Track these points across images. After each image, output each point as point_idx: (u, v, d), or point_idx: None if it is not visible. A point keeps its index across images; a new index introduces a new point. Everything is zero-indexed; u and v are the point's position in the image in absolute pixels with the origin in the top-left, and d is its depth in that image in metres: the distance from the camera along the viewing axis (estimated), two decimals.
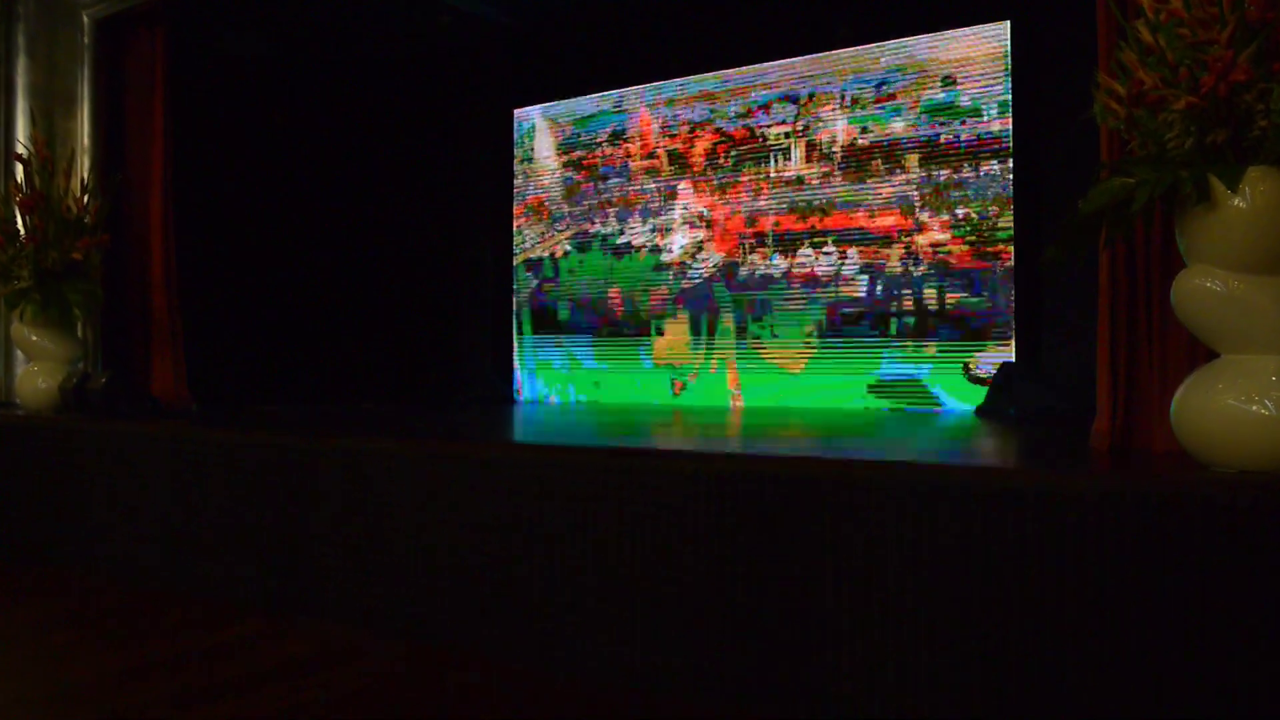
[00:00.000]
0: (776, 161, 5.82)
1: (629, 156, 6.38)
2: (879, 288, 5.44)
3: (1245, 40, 1.91)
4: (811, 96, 5.74)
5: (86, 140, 4.92)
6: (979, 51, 5.22)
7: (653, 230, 6.27)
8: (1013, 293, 5.14)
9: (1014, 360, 5.14)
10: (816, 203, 5.65)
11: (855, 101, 5.57)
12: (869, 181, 5.47)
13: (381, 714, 2.18)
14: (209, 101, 5.54)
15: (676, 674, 2.27)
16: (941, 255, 5.22)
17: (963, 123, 5.21)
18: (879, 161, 5.46)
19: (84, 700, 2.26)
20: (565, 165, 6.69)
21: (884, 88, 5.49)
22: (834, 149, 5.61)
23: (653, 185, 6.28)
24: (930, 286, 5.25)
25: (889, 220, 5.40)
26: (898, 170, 5.38)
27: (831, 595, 2.08)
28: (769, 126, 5.87)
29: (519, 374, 7.00)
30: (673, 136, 6.19)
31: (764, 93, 5.90)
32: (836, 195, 5.59)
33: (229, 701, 2.22)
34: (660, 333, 6.18)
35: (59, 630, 2.94)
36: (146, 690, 2.31)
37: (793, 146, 5.78)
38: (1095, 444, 2.66)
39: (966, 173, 5.18)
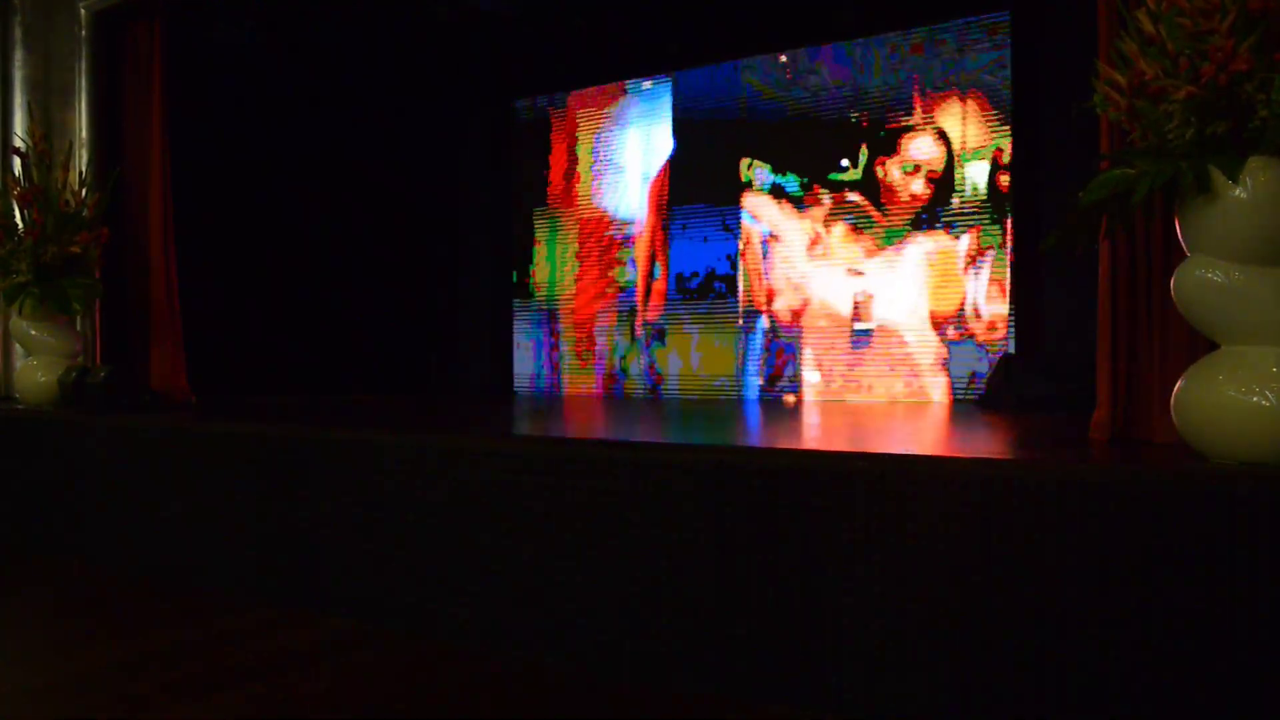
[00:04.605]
0: None
1: None
2: None
3: (1246, 30, 1.90)
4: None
5: (84, 133, 4.90)
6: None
7: None
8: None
9: (1014, 351, 5.14)
10: None
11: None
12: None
13: (381, 705, 2.18)
14: (207, 94, 5.52)
15: (677, 665, 2.28)
16: None
17: None
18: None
19: (85, 689, 2.26)
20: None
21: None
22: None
23: None
24: None
25: None
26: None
27: (830, 589, 2.08)
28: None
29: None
30: None
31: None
32: None
33: (228, 692, 2.23)
34: None
35: (59, 621, 2.94)
36: (147, 680, 2.32)
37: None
38: (1095, 435, 2.66)
39: None
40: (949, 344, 5.37)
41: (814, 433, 3.22)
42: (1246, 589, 1.70)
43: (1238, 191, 1.92)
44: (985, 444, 2.82)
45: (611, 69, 6.63)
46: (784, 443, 2.75)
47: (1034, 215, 5.13)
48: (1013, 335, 5.17)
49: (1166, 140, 2.03)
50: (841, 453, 2.20)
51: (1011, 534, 1.90)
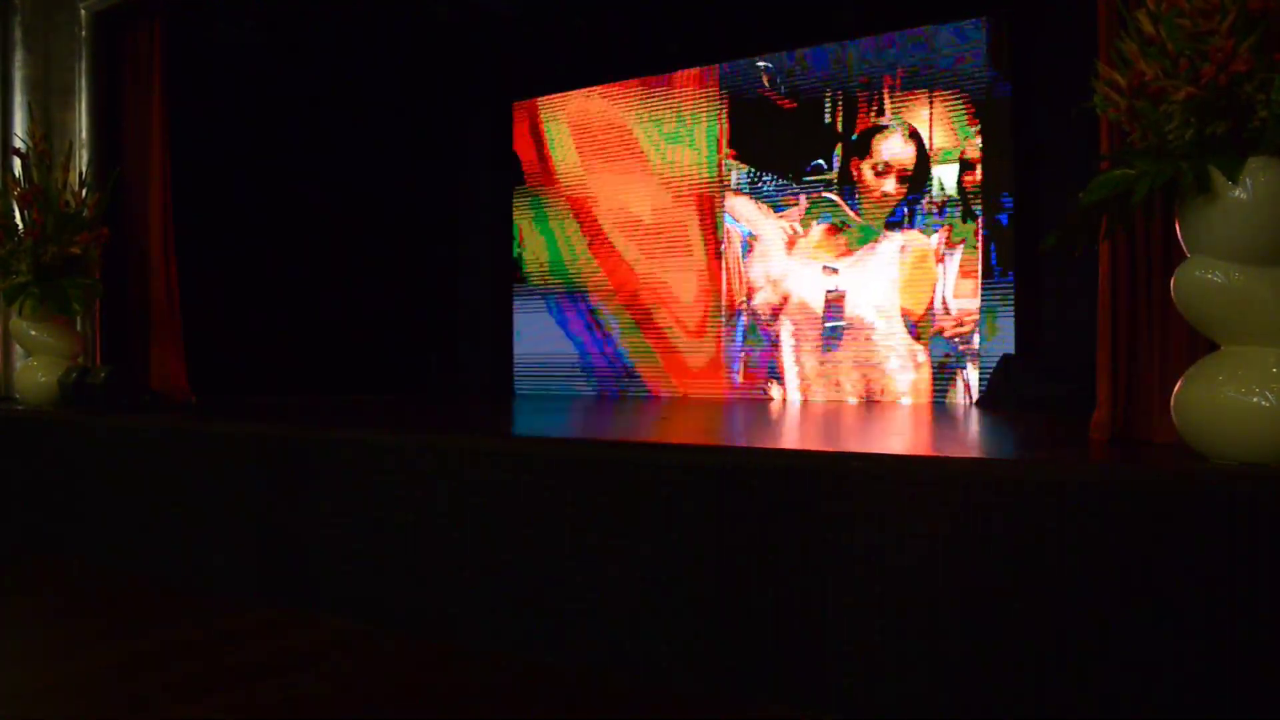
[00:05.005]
0: None
1: None
2: None
3: (1246, 30, 1.90)
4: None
5: (85, 133, 4.90)
6: None
7: None
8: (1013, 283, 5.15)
9: (1014, 351, 5.15)
10: None
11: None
12: None
13: (381, 705, 2.18)
14: (207, 94, 5.52)
15: (677, 665, 2.27)
16: None
17: None
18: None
19: (85, 689, 2.26)
20: None
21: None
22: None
23: None
24: None
25: None
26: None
27: (830, 588, 2.08)
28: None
29: None
30: None
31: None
32: None
33: (227, 693, 2.23)
34: None
35: (57, 621, 2.94)
36: (147, 680, 2.32)
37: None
38: (1095, 435, 2.66)
39: None
40: (929, 340, 5.41)
41: (811, 432, 3.22)
42: (1247, 589, 1.70)
43: (1238, 192, 1.92)
44: (985, 444, 2.82)
45: (612, 69, 6.62)
46: (782, 443, 2.75)
47: (1033, 215, 5.13)
48: (1012, 335, 5.17)
49: (1166, 140, 2.03)
50: (841, 453, 2.20)
51: (1011, 534, 1.90)
